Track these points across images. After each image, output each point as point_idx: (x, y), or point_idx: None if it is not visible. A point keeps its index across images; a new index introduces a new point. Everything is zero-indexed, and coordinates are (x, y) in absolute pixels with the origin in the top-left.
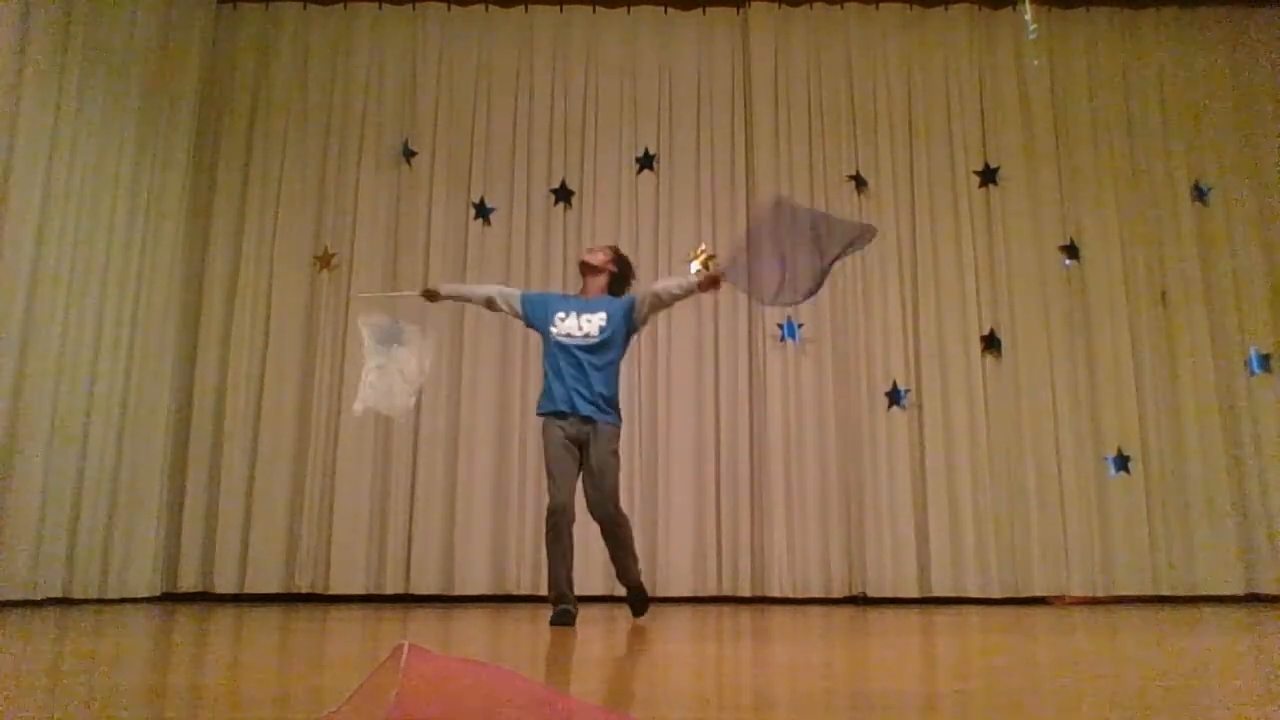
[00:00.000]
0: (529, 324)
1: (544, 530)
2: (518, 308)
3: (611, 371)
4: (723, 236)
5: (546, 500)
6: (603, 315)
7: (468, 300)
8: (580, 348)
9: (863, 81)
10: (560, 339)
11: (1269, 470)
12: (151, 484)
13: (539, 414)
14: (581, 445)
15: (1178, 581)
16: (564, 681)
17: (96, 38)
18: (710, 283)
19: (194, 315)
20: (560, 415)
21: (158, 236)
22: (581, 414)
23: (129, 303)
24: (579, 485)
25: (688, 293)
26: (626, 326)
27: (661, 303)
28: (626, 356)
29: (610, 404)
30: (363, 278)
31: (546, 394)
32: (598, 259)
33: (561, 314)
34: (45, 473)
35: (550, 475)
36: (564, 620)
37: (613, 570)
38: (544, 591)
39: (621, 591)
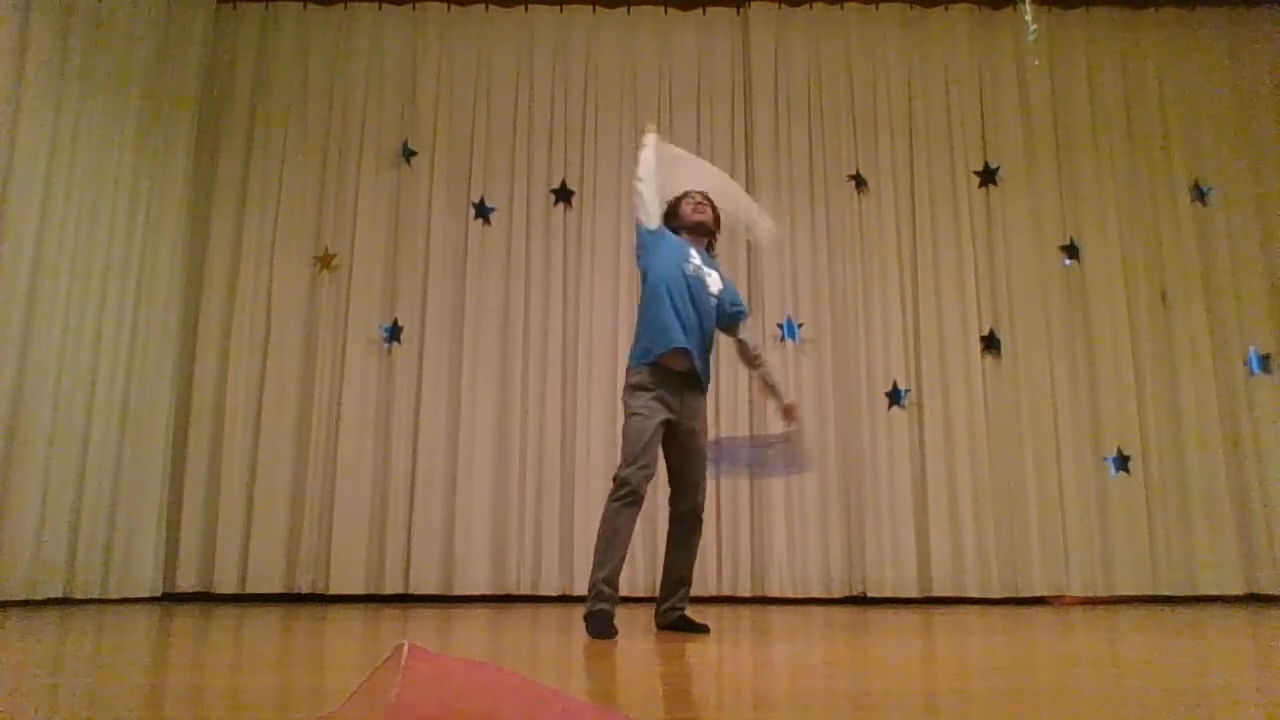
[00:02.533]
0: (648, 248)
1: (613, 510)
2: (651, 225)
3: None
4: (723, 236)
5: (618, 479)
6: (718, 278)
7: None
8: (710, 297)
9: (863, 81)
10: (694, 276)
11: (1269, 470)
12: (152, 484)
13: (642, 363)
14: (671, 421)
15: (1178, 581)
16: (564, 681)
17: (96, 38)
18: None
19: (194, 315)
20: (662, 370)
21: (158, 236)
22: (695, 370)
23: (129, 303)
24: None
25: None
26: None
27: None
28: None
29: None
30: (363, 278)
31: (661, 331)
32: (711, 215)
33: (696, 259)
34: (46, 472)
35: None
36: (607, 631)
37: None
38: (544, 591)
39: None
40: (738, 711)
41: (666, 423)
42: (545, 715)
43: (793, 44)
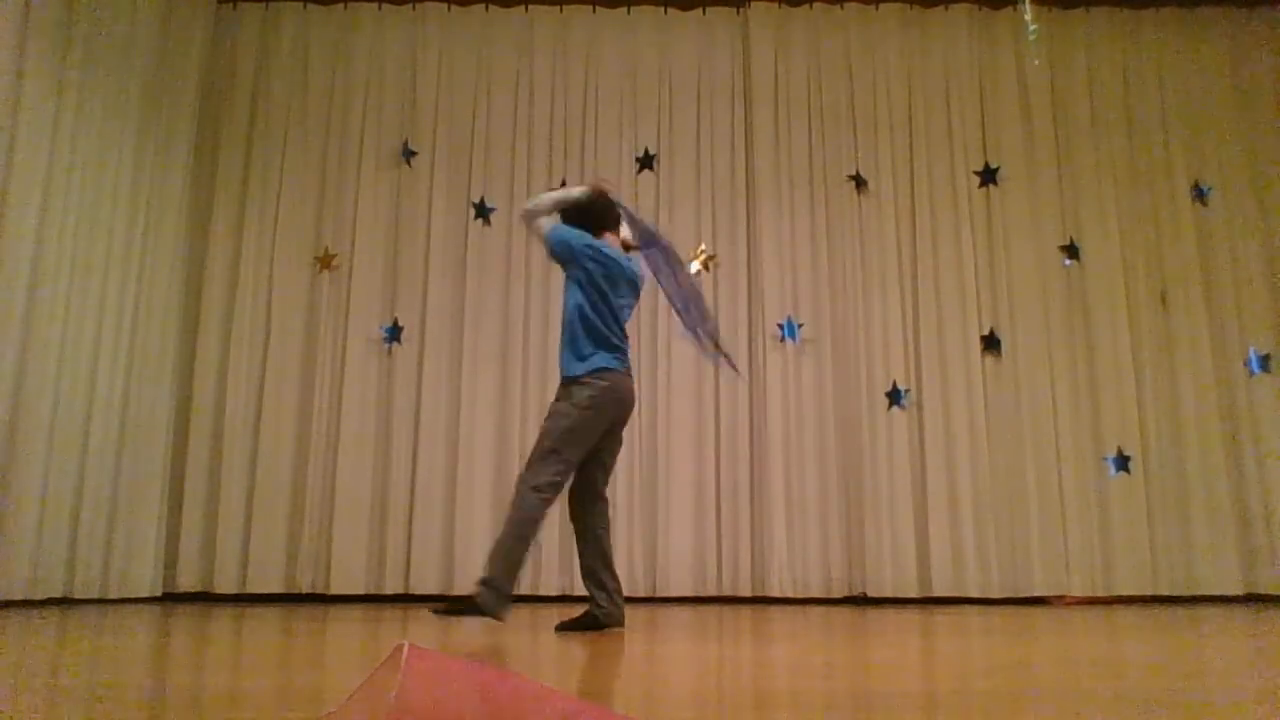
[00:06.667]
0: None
1: None
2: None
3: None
4: (723, 236)
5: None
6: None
7: None
8: None
9: (863, 81)
10: None
11: (1269, 470)
12: (152, 484)
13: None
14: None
15: (1178, 581)
16: (563, 681)
17: (96, 38)
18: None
19: (194, 315)
20: None
21: (158, 236)
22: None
23: (129, 303)
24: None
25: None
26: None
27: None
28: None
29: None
30: (363, 278)
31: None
32: None
33: None
34: (46, 473)
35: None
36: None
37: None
38: (544, 591)
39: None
40: (738, 711)
41: None
42: (545, 715)
43: (793, 44)
